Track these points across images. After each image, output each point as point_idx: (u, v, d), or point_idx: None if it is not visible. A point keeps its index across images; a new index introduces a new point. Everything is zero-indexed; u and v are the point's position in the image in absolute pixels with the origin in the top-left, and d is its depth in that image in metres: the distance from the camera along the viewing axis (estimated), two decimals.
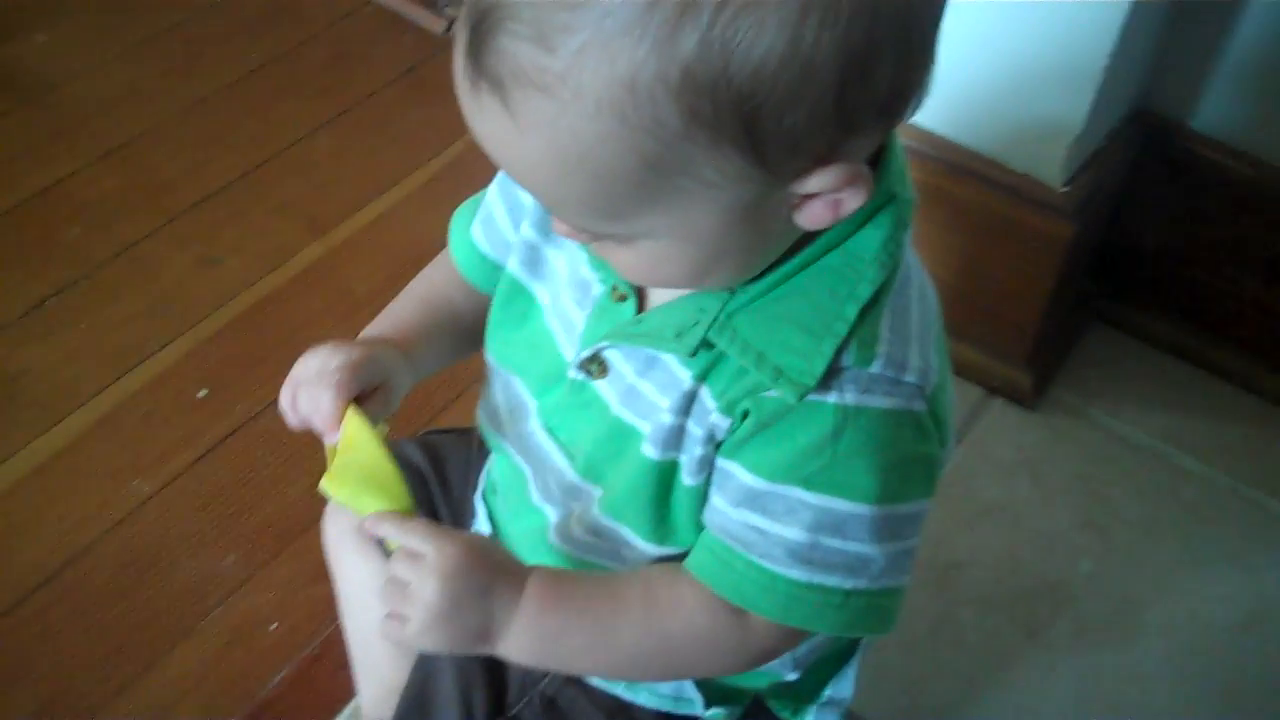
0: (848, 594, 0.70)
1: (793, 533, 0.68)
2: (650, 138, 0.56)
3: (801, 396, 0.66)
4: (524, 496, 0.83)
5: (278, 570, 1.15)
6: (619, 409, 0.74)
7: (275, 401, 1.26)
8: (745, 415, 0.69)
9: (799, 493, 0.68)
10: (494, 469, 0.89)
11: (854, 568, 0.69)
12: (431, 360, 0.87)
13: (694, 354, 0.69)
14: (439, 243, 1.44)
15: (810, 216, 0.62)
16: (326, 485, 0.74)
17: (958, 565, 1.25)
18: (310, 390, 0.77)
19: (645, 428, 0.72)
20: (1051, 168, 1.27)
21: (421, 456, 0.96)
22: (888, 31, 0.56)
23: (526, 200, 0.81)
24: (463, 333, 0.88)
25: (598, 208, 0.60)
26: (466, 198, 1.51)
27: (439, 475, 0.95)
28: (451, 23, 1.71)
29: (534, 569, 0.73)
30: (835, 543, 0.68)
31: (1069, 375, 1.42)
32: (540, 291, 0.80)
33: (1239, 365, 1.42)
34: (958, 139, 1.29)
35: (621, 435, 0.74)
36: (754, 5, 0.53)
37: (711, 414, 0.70)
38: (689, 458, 0.72)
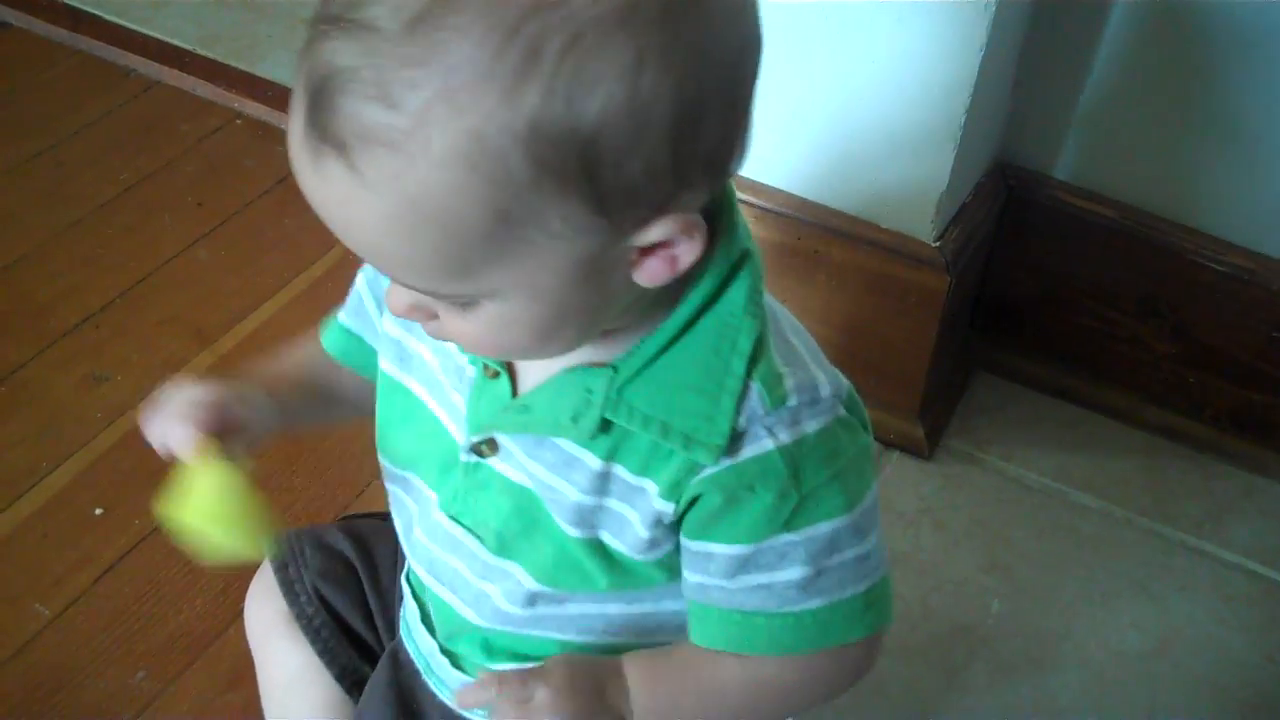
0: (865, 594, 0.73)
1: (795, 571, 0.71)
2: (499, 188, 0.57)
3: (718, 458, 0.68)
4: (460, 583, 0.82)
5: (190, 682, 1.13)
6: (520, 479, 0.74)
7: None
8: (695, 500, 0.70)
9: (784, 537, 0.70)
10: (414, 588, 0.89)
11: (860, 571, 0.73)
12: (305, 411, 0.88)
13: (593, 437, 0.70)
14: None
15: (649, 273, 0.63)
16: (166, 513, 0.73)
17: None
18: (164, 422, 0.76)
19: (548, 500, 0.73)
20: (923, 224, 1.31)
21: (348, 543, 0.95)
22: (716, 86, 0.59)
23: None
24: (336, 392, 0.88)
25: (446, 265, 0.60)
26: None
27: (367, 562, 0.94)
28: None
29: (621, 657, 0.76)
30: (835, 559, 0.71)
31: (960, 424, 1.45)
32: (415, 384, 0.80)
33: (1121, 401, 1.47)
34: (830, 203, 1.32)
35: (530, 506, 0.74)
36: (593, 54, 0.55)
37: (652, 500, 0.71)
38: (631, 541, 0.73)
